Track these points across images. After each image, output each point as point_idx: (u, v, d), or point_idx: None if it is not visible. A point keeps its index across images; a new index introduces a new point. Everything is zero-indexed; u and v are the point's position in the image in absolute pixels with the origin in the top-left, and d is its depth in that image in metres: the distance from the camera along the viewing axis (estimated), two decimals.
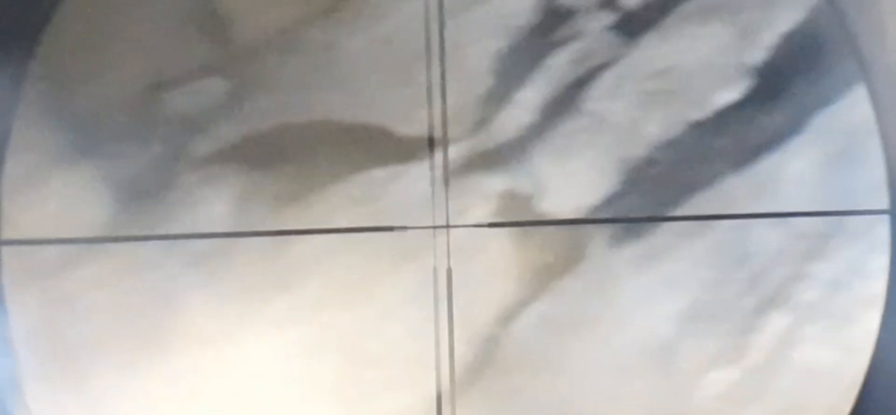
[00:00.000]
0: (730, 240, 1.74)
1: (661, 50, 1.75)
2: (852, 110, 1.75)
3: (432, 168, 1.72)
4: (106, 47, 1.73)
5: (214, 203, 1.71)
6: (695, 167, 1.74)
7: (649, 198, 1.74)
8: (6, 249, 1.70)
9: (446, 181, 1.72)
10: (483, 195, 1.73)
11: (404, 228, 1.71)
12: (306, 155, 1.72)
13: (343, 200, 1.72)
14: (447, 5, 1.74)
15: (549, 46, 1.75)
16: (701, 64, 1.75)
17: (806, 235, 1.74)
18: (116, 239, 1.70)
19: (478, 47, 1.75)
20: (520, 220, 1.72)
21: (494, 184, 1.73)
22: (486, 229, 1.72)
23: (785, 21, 1.76)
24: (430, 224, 1.71)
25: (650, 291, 1.72)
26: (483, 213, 1.73)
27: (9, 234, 1.70)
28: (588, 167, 1.74)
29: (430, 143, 1.72)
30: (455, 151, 1.73)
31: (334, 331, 1.70)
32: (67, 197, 1.70)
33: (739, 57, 1.76)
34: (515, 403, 1.70)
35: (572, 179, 1.74)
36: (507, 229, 1.73)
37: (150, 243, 1.70)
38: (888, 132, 1.74)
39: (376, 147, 1.72)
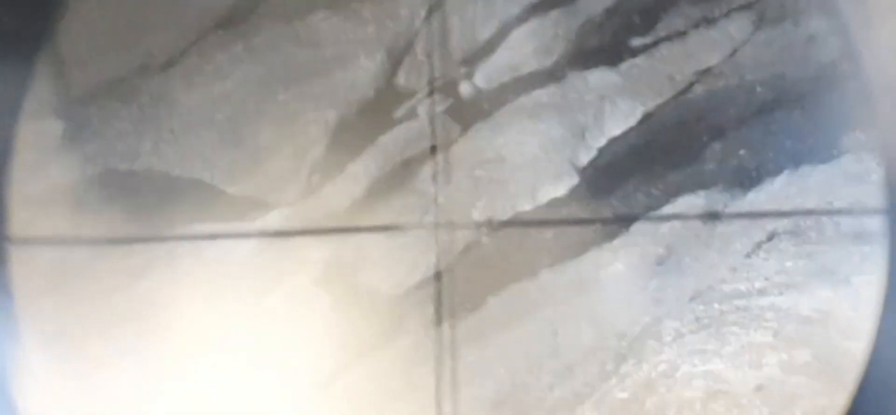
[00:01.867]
0: None
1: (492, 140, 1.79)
2: None
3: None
4: None
5: None
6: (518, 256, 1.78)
7: (472, 278, 1.77)
8: (14, 248, 1.73)
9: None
10: (306, 261, 1.77)
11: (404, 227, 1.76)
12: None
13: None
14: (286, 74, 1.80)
15: (385, 124, 1.79)
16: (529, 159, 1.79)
17: None
18: (120, 240, 1.74)
19: (315, 115, 1.79)
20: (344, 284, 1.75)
21: (319, 251, 1.77)
22: None
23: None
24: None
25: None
26: (306, 279, 1.76)
27: (16, 232, 1.74)
28: (411, 245, 1.78)
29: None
30: (281, 216, 1.77)
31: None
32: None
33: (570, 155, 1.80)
34: None
35: (394, 254, 1.77)
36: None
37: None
38: (884, 133, 1.77)
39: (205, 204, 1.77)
